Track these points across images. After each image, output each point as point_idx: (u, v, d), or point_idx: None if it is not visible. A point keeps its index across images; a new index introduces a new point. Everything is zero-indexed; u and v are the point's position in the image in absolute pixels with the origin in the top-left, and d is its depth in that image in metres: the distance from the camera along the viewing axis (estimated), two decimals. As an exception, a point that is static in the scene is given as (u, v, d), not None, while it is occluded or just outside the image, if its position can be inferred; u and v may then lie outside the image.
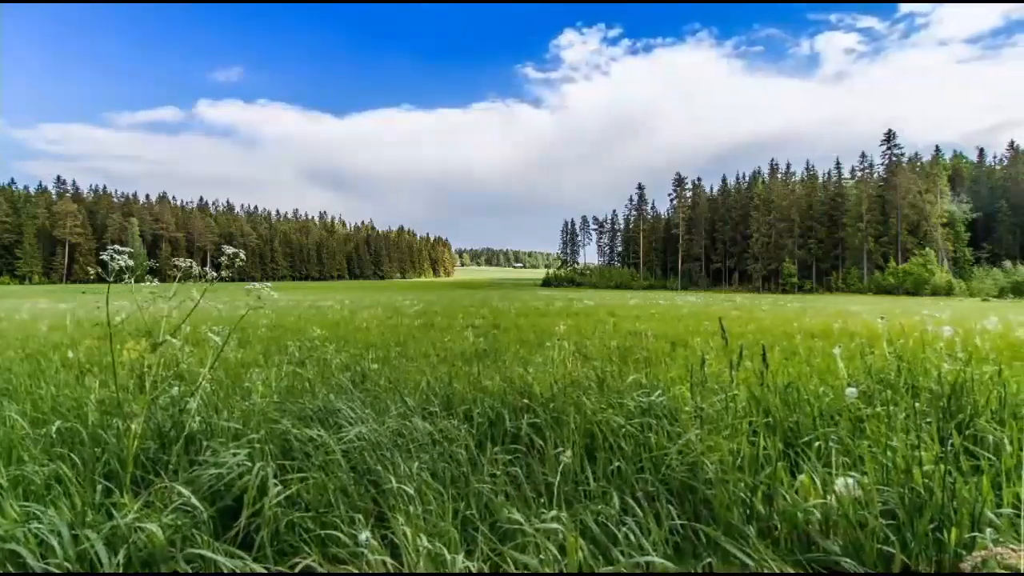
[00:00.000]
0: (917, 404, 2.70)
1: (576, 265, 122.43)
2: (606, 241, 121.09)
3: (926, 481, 1.94)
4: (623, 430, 2.47)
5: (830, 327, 6.95)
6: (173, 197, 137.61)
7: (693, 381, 2.88)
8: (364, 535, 2.07)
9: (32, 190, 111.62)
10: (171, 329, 3.43)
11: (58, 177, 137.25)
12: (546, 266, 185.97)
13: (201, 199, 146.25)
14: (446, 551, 1.89)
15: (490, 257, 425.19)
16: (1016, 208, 71.75)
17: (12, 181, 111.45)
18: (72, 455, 2.97)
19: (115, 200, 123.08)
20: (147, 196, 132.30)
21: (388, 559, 1.97)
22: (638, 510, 1.90)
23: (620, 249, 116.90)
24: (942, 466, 1.94)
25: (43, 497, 2.57)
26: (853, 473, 2.03)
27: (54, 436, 3.27)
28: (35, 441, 3.23)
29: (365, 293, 46.64)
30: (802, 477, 2.00)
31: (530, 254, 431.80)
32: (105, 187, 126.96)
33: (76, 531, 2.29)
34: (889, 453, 2.11)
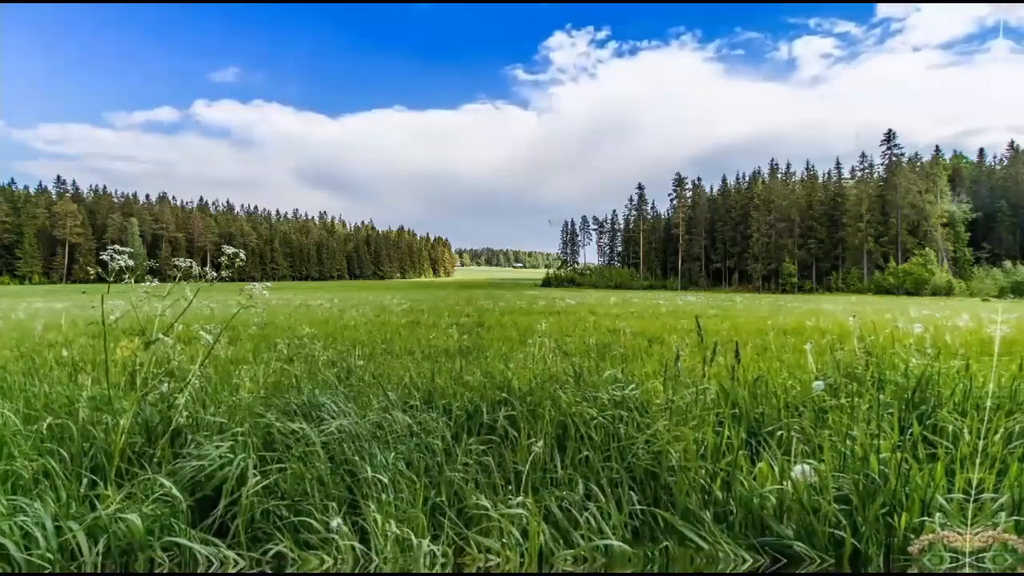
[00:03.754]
0: (882, 396, 2.74)
1: (576, 265, 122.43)
2: (606, 241, 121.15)
3: (882, 468, 1.99)
4: (595, 421, 2.52)
5: (803, 324, 7.00)
6: (173, 197, 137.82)
7: (667, 376, 2.93)
8: (335, 522, 2.12)
9: (32, 190, 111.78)
10: (164, 328, 3.48)
11: (58, 177, 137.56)
12: (546, 266, 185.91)
13: (201, 199, 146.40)
14: (413, 535, 1.95)
15: (490, 257, 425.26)
16: (1016, 208, 71.70)
17: (12, 181, 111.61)
18: (61, 450, 3.01)
19: (115, 200, 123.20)
20: (147, 196, 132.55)
21: (357, 544, 2.03)
22: (601, 496, 1.95)
23: (620, 249, 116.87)
24: (899, 454, 1.99)
25: (30, 491, 2.61)
26: (811, 460, 2.08)
27: (44, 432, 3.30)
28: (26, 437, 3.26)
29: (354, 292, 46.85)
30: (761, 464, 2.05)
31: (530, 254, 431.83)
32: (105, 187, 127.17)
33: (60, 523, 2.34)
34: (848, 442, 2.15)
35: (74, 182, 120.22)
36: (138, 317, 3.31)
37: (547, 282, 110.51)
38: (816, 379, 3.04)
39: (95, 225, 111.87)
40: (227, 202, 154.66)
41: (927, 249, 67.14)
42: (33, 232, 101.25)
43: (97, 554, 2.23)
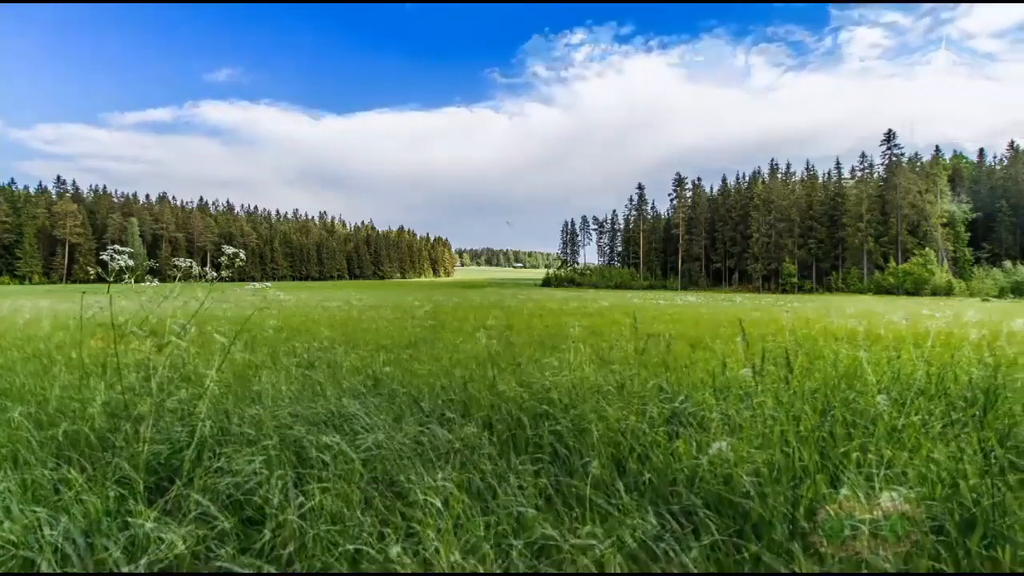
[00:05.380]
0: (954, 413, 2.65)
1: (576, 265, 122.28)
2: (606, 241, 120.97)
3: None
4: (648, 439, 2.42)
5: (854, 329, 6.94)
6: (173, 197, 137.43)
7: (716, 386, 2.85)
8: (395, 550, 2.00)
9: (32, 190, 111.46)
10: (176, 330, 3.38)
11: (58, 177, 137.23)
12: (546, 266, 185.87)
13: (201, 199, 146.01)
14: (480, 568, 1.83)
15: (490, 257, 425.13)
16: (1016, 208, 71.72)
17: (12, 181, 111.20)
18: (81, 459, 2.89)
19: (115, 200, 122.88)
20: (147, 196, 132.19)
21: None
22: (675, 525, 1.86)
23: (620, 249, 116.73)
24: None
25: (52, 502, 2.50)
26: (898, 487, 1.98)
27: (61, 439, 3.19)
28: (41, 444, 3.15)
29: (369, 292, 47.20)
30: (845, 491, 1.95)
31: (530, 254, 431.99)
32: (105, 187, 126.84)
33: (91, 539, 2.25)
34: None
35: (74, 182, 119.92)
36: (149, 319, 3.23)
37: (547, 282, 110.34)
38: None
39: (95, 225, 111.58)
40: (227, 202, 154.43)
41: (927, 249, 67.12)
42: (33, 232, 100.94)
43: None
